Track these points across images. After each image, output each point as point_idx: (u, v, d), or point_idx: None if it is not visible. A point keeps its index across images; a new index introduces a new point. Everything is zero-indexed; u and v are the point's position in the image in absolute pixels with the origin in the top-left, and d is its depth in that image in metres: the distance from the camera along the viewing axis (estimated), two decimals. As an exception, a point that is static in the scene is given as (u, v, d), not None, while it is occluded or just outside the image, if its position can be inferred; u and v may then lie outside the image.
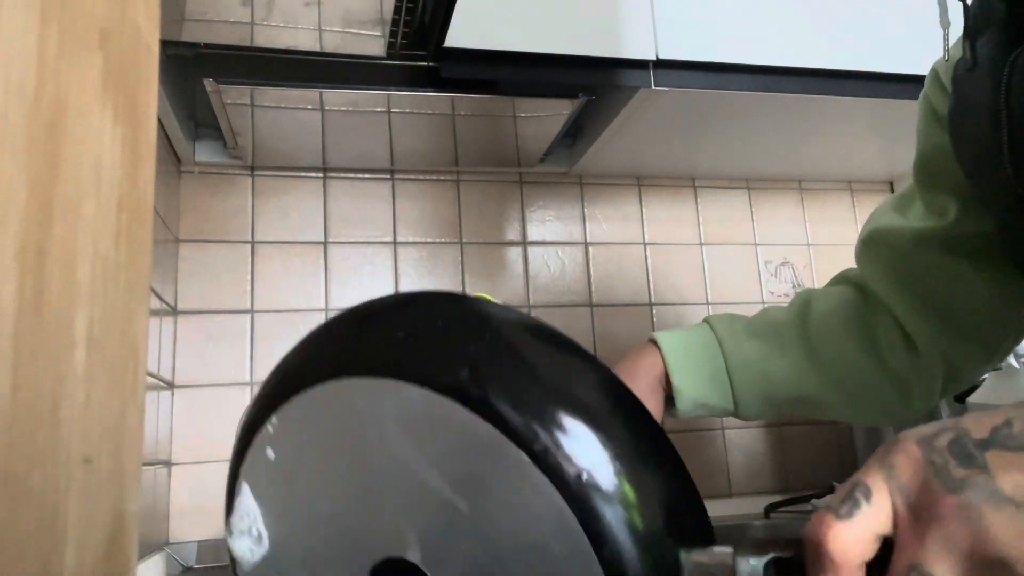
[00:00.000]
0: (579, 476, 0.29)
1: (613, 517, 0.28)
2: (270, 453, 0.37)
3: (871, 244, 0.68)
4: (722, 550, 0.30)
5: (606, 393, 0.32)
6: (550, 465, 0.29)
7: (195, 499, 1.00)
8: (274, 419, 0.37)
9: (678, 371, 0.66)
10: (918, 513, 0.27)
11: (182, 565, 0.97)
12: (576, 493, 0.29)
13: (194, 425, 1.02)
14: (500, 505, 0.30)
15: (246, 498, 0.38)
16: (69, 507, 0.27)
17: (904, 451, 0.29)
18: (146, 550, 0.88)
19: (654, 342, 0.69)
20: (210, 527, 1.00)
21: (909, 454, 0.28)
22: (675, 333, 0.70)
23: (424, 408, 0.32)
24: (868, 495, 0.28)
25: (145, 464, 0.87)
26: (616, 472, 0.29)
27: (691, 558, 0.29)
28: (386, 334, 0.34)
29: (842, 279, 0.72)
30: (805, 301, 0.70)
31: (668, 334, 0.69)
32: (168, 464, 1.00)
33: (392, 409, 0.33)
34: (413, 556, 0.33)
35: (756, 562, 0.29)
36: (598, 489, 0.29)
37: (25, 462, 0.25)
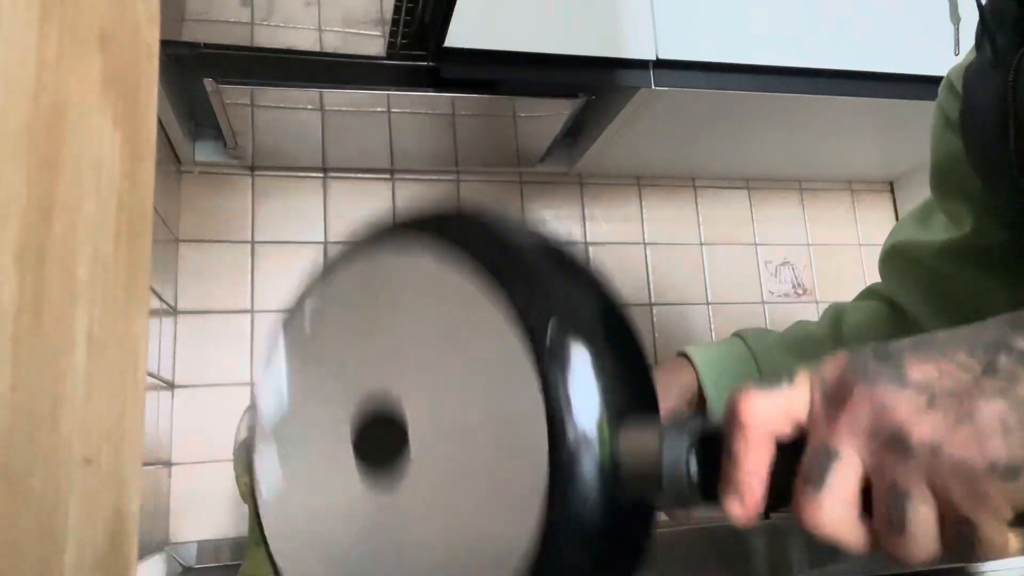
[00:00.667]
0: (568, 396, 0.31)
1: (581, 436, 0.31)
2: (314, 307, 0.41)
3: (893, 258, 0.68)
4: (654, 426, 0.32)
5: (607, 321, 0.36)
6: (544, 365, 0.32)
7: (195, 499, 1.00)
8: (328, 278, 0.41)
9: (713, 387, 0.65)
10: (832, 401, 0.29)
11: (182, 565, 0.97)
12: (556, 403, 0.31)
13: (194, 425, 1.02)
14: (488, 386, 0.34)
15: (280, 352, 0.42)
16: (69, 507, 0.27)
17: (835, 357, 0.31)
18: (146, 550, 0.88)
19: (686, 356, 0.67)
20: (210, 527, 1.00)
21: (837, 358, 0.31)
22: (709, 348, 0.68)
23: (448, 274, 0.35)
24: (791, 380, 0.30)
25: (145, 464, 0.87)
26: (598, 401, 0.32)
27: (625, 433, 0.31)
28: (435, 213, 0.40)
29: (870, 293, 0.71)
30: (837, 314, 0.69)
31: (701, 349, 0.68)
32: (168, 464, 1.00)
33: (424, 270, 0.37)
34: (400, 410, 0.36)
35: (681, 438, 0.31)
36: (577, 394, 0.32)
37: (25, 462, 0.25)
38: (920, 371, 0.28)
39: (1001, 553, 0.26)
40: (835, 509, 0.27)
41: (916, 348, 0.29)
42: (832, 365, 0.30)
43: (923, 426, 0.26)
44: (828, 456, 0.28)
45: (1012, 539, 0.26)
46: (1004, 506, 0.25)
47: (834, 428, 0.28)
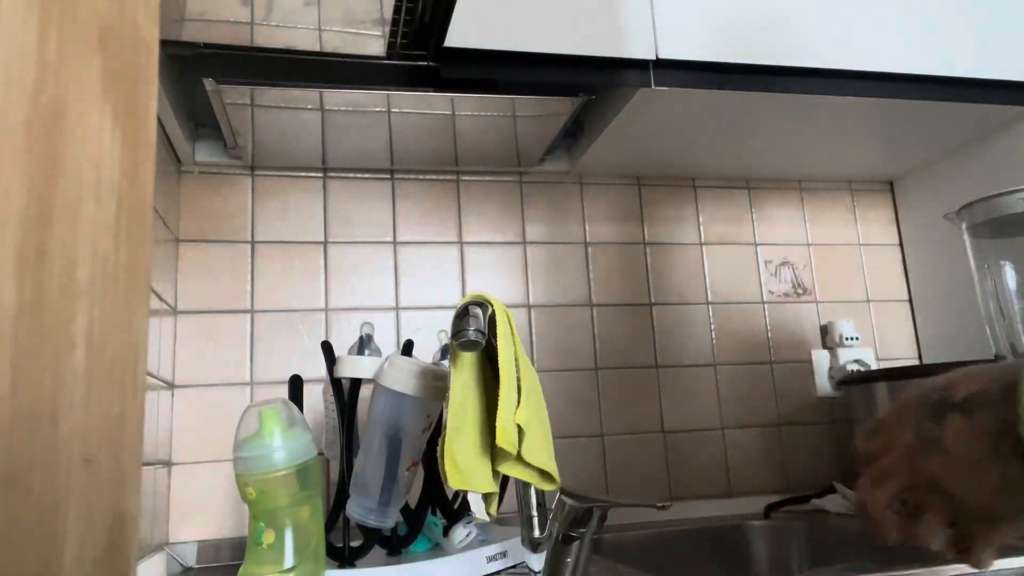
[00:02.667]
0: None
1: None
2: None
3: None
4: None
5: None
6: None
7: (195, 499, 1.00)
8: None
9: None
10: (891, 446, 0.45)
11: (182, 565, 0.97)
12: None
13: (194, 425, 1.02)
14: None
15: None
16: (69, 507, 0.27)
17: (900, 414, 0.45)
18: (146, 550, 0.88)
19: None
20: (210, 527, 1.00)
21: (902, 414, 0.45)
22: None
23: None
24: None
25: (145, 464, 0.87)
26: None
27: None
28: None
29: None
30: None
31: None
32: (168, 464, 1.00)
33: None
34: None
35: None
36: None
37: (25, 462, 0.25)
38: (952, 438, 0.41)
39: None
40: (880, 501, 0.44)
41: (959, 410, 0.41)
42: (901, 419, 0.45)
43: (951, 478, 0.41)
44: (887, 476, 0.44)
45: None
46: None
47: (894, 461, 0.44)
